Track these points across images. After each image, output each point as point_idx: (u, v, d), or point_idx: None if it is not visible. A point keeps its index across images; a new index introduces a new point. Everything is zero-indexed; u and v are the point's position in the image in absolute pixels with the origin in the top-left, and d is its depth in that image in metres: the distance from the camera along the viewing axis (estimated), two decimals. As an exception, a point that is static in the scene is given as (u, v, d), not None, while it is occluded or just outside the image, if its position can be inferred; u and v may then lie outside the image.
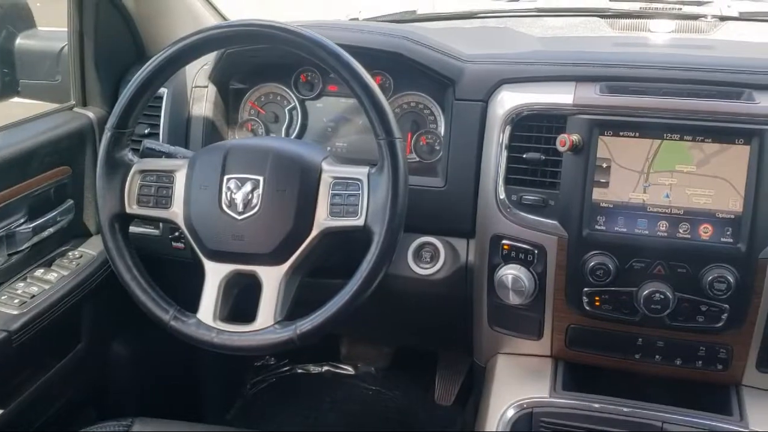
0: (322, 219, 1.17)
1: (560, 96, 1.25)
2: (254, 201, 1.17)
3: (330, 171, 1.19)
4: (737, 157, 1.13)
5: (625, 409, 1.21)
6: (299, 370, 2.21)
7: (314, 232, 1.17)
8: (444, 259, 1.38)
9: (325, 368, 2.20)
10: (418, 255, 1.40)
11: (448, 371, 2.03)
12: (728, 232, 1.14)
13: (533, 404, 1.23)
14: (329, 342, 2.15)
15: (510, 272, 1.26)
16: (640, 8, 1.74)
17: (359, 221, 1.14)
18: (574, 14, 1.78)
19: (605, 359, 1.29)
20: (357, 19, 1.94)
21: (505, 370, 1.33)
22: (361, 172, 1.17)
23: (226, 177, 1.19)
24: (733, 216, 1.14)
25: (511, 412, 1.22)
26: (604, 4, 1.77)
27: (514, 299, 1.26)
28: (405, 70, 1.42)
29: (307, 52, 1.16)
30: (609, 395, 1.24)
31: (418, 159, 1.47)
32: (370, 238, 1.13)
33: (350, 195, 1.16)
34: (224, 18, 1.77)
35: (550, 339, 1.31)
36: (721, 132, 1.14)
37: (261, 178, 1.18)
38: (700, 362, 1.23)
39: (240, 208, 1.17)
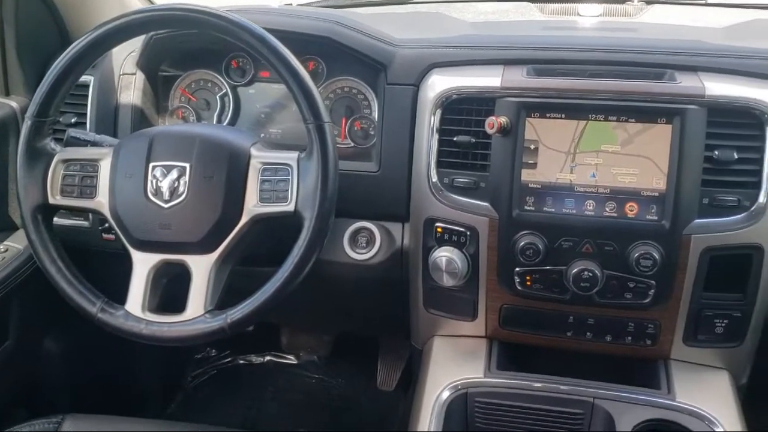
0: (252, 205, 1.15)
1: (488, 79, 1.25)
2: (181, 188, 1.15)
3: (259, 156, 1.17)
4: (660, 136, 1.16)
5: (557, 386, 1.23)
6: (241, 361, 2.19)
7: (244, 219, 1.15)
8: (380, 243, 1.38)
9: (267, 358, 2.19)
10: (354, 240, 1.39)
11: (389, 357, 2.04)
12: (653, 210, 1.17)
13: (468, 385, 1.24)
14: (270, 332, 2.14)
15: (444, 254, 1.26)
16: (570, -8, 1.76)
17: (289, 207, 1.13)
18: (505, -1, 1.80)
19: (538, 338, 1.31)
20: (291, 4, 1.92)
21: (441, 353, 1.34)
22: (290, 157, 1.16)
23: (151, 164, 1.17)
24: (657, 194, 1.16)
25: (446, 394, 1.22)
26: (534, -11, 1.79)
27: (448, 281, 1.27)
28: (337, 55, 1.41)
29: (233, 37, 1.14)
30: (542, 373, 1.26)
31: (352, 144, 1.47)
32: (301, 223, 1.12)
33: (280, 180, 1.14)
34: (152, 2, 1.73)
35: (485, 319, 1.32)
36: (644, 112, 1.16)
37: (187, 165, 1.16)
38: (629, 338, 1.26)
39: (166, 196, 1.15)
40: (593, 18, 1.65)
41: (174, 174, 1.15)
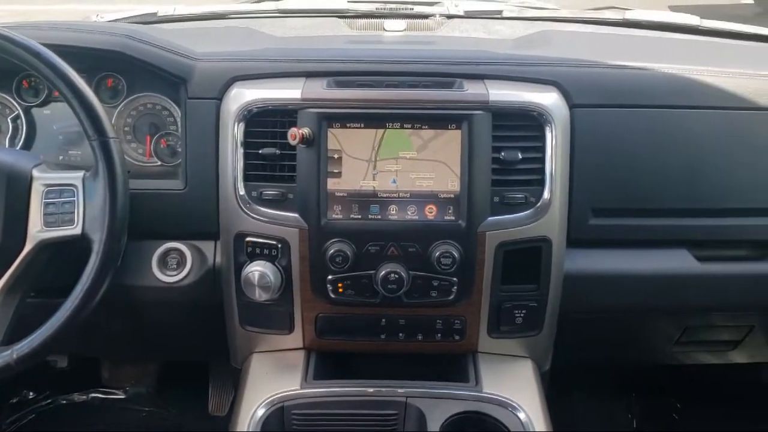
0: (36, 231, 1.09)
1: (290, 91, 1.26)
2: None
3: (41, 178, 1.11)
4: (451, 141, 1.22)
5: (372, 390, 1.25)
6: (63, 401, 2.04)
7: (28, 246, 1.08)
8: (191, 264, 1.34)
9: (92, 395, 2.05)
10: (163, 262, 1.34)
11: (220, 380, 1.98)
12: (450, 211, 1.22)
13: (284, 399, 1.23)
14: (91, 367, 2.01)
15: (256, 269, 1.25)
16: (376, 8, 1.82)
17: (76, 230, 1.08)
18: (315, 15, 1.82)
19: (354, 344, 1.33)
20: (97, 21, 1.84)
21: (259, 369, 1.32)
22: (74, 177, 1.11)
23: None
24: (452, 195, 1.22)
25: (261, 411, 1.21)
26: (343, 6, 1.83)
27: (261, 296, 1.26)
28: (136, 70, 1.37)
29: (7, 54, 1.08)
30: (359, 378, 1.28)
31: (159, 163, 1.43)
32: (90, 247, 1.07)
33: (65, 202, 1.09)
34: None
35: (302, 331, 1.32)
36: (436, 119, 1.22)
37: None
38: (439, 335, 1.31)
39: None
40: (398, 32, 1.71)
41: None
